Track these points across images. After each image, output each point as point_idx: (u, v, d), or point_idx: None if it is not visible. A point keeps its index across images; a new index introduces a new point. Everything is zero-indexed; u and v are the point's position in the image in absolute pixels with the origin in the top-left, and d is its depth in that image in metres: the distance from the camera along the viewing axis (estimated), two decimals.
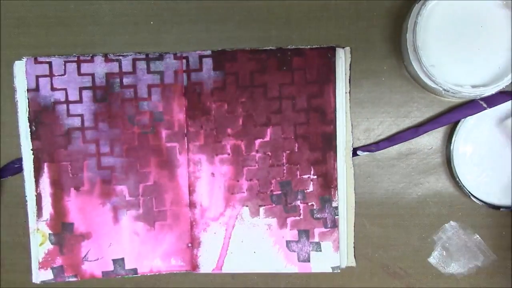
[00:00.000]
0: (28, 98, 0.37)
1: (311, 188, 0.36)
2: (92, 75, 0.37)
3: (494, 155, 0.35)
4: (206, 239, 0.36)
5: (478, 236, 0.36)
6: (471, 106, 0.35)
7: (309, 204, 0.36)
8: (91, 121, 0.37)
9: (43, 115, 0.37)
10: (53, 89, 0.37)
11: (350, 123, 0.36)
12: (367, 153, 0.36)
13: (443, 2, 0.32)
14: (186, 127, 0.36)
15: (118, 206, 0.36)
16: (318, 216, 0.36)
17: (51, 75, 0.37)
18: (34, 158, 0.37)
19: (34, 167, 0.37)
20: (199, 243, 0.36)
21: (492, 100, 0.34)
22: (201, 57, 0.36)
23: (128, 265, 0.37)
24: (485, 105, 0.34)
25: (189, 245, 0.36)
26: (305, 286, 0.37)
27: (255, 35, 0.36)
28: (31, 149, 0.36)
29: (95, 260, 0.37)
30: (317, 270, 0.36)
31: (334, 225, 0.36)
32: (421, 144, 0.36)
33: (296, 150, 0.36)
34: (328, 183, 0.36)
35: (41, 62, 0.37)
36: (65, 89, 0.37)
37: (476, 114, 0.35)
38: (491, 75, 0.33)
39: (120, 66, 0.36)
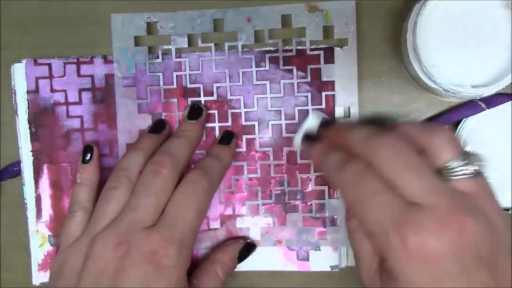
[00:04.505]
0: (27, 100, 0.37)
1: (310, 187, 0.36)
2: (92, 76, 0.37)
3: (494, 156, 0.35)
4: (206, 238, 0.36)
5: None
6: (470, 106, 0.34)
7: (308, 203, 0.36)
8: (90, 122, 0.37)
9: (42, 116, 0.37)
10: (52, 90, 0.37)
11: None
12: None
13: (443, 2, 0.32)
14: None
15: None
16: (318, 215, 0.36)
17: (50, 76, 0.37)
18: (33, 159, 0.37)
19: (33, 169, 0.37)
20: (199, 242, 0.37)
21: (491, 101, 0.34)
22: (200, 57, 0.36)
23: None
24: (484, 106, 0.34)
25: None
26: (305, 286, 0.37)
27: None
28: (31, 151, 0.37)
29: None
30: (316, 269, 0.36)
31: (334, 224, 0.36)
32: None
33: (296, 150, 0.36)
34: (327, 182, 0.36)
35: (41, 64, 0.37)
36: (64, 91, 0.37)
37: (476, 115, 0.34)
38: (491, 75, 0.33)
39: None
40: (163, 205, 0.32)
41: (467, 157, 0.26)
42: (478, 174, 0.26)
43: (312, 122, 0.34)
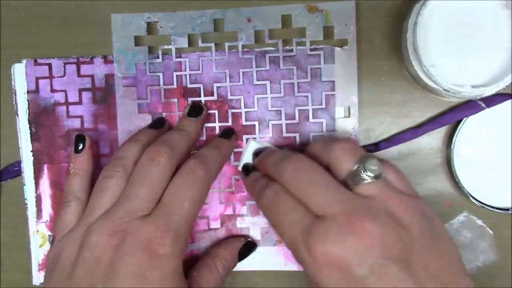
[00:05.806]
0: (28, 100, 0.37)
1: None
2: (92, 76, 0.37)
3: (494, 156, 0.35)
4: (207, 238, 0.36)
5: (478, 236, 0.36)
6: (470, 106, 0.34)
7: None
8: (90, 122, 0.37)
9: (43, 116, 0.37)
10: (52, 90, 0.37)
11: None
12: None
13: (443, 2, 0.32)
14: None
15: None
16: None
17: (50, 76, 0.37)
18: (34, 159, 0.37)
19: (34, 169, 0.37)
20: (199, 242, 0.37)
21: (491, 100, 0.34)
22: (200, 57, 0.36)
23: None
24: (483, 105, 0.34)
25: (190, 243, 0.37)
26: (305, 287, 0.37)
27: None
28: (31, 151, 0.37)
29: None
30: None
31: None
32: (421, 145, 0.36)
33: (296, 150, 0.36)
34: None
35: (41, 64, 0.37)
36: (64, 91, 0.37)
37: (477, 115, 0.34)
38: (491, 75, 0.33)
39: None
40: (159, 194, 0.31)
41: (363, 163, 0.28)
42: (377, 177, 0.28)
43: (249, 152, 0.35)
